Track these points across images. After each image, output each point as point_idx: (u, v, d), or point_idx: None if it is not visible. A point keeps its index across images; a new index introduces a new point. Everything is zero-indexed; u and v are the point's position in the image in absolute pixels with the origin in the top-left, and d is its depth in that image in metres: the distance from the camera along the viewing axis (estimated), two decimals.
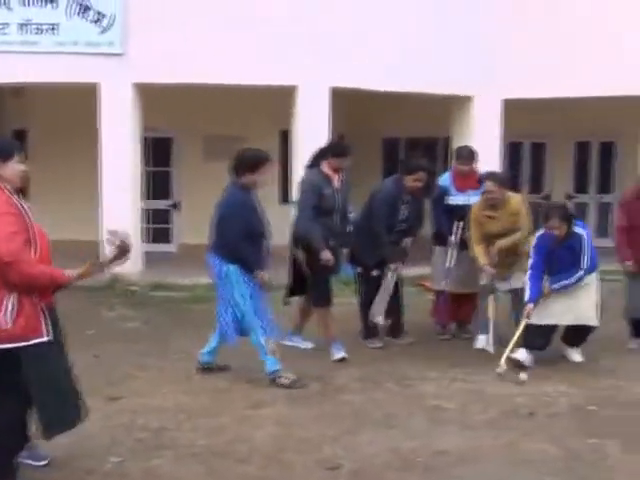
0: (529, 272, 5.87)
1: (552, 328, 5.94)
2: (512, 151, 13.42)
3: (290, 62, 9.33)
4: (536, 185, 13.91)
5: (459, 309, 6.85)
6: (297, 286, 6.24)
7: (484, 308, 6.39)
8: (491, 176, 6.28)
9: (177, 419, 4.65)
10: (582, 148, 13.44)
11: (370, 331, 6.47)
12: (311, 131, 9.17)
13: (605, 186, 13.41)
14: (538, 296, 5.79)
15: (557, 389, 5.24)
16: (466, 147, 6.98)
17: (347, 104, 11.93)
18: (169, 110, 11.14)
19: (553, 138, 13.51)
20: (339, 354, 5.96)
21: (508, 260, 6.26)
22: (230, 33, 9.26)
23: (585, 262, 5.75)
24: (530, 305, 5.78)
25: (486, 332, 6.34)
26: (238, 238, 5.18)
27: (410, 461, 4.02)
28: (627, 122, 11.46)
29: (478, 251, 6.26)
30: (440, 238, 6.73)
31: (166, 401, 4.99)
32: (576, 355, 6.08)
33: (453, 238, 6.58)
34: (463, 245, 6.53)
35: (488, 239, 6.27)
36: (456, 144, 11.32)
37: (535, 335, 5.82)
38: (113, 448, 4.17)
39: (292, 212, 8.90)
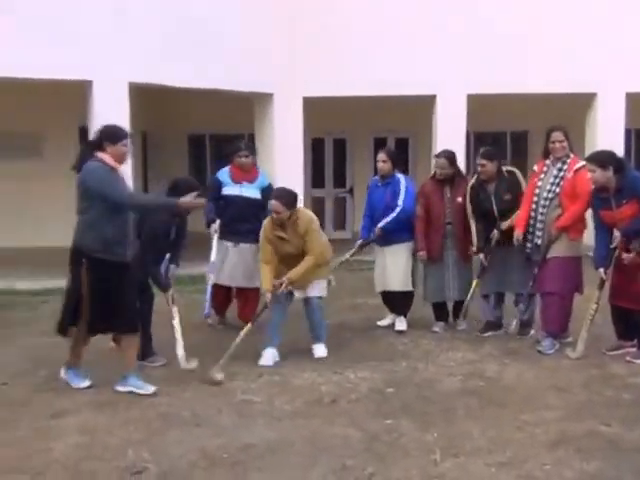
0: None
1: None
2: (315, 147, 13.85)
3: (84, 56, 8.97)
4: (340, 179, 14.46)
5: (241, 305, 6.96)
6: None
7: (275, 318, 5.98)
8: (278, 196, 5.79)
9: None
10: (379, 144, 14.13)
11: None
12: None
13: None
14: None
15: (358, 375, 5.47)
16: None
17: (150, 101, 11.73)
18: None
19: (353, 134, 14.10)
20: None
21: (308, 276, 5.90)
22: (14, 22, 8.72)
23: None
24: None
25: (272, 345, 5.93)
26: None
27: (217, 458, 4.03)
28: (420, 120, 12.19)
29: (263, 273, 5.81)
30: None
31: None
32: (399, 323, 6.79)
33: (215, 240, 6.67)
34: (237, 239, 6.66)
35: (286, 259, 5.85)
36: (259, 140, 11.51)
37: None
38: None
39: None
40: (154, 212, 5.51)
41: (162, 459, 4.01)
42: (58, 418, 4.66)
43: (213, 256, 6.66)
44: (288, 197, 5.79)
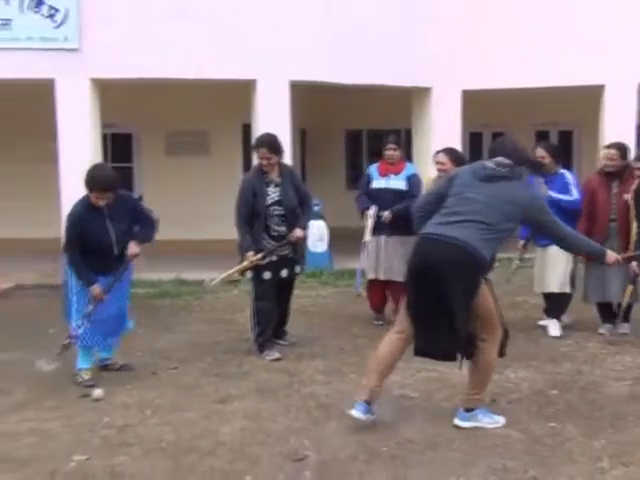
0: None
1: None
2: (473, 141, 13.59)
3: (248, 56, 9.32)
4: None
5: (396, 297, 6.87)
6: None
7: None
8: (446, 150, 6.17)
9: (143, 415, 4.64)
10: (541, 137, 13.63)
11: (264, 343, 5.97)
12: (272, 124, 9.16)
13: None
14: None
15: (519, 375, 5.33)
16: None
17: (310, 97, 11.98)
18: (129, 106, 11.07)
19: (513, 127, 13.67)
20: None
21: None
22: (186, 27, 9.22)
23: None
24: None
25: None
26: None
27: (376, 450, 4.05)
28: (586, 112, 11.64)
29: None
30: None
31: (131, 397, 4.98)
32: (552, 327, 6.50)
33: (370, 222, 6.80)
34: (388, 232, 6.79)
35: None
36: (416, 135, 11.43)
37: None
38: (77, 447, 4.14)
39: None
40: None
41: (322, 448, 4.09)
42: (224, 403, 4.87)
43: (367, 236, 6.82)
44: (457, 154, 6.05)
